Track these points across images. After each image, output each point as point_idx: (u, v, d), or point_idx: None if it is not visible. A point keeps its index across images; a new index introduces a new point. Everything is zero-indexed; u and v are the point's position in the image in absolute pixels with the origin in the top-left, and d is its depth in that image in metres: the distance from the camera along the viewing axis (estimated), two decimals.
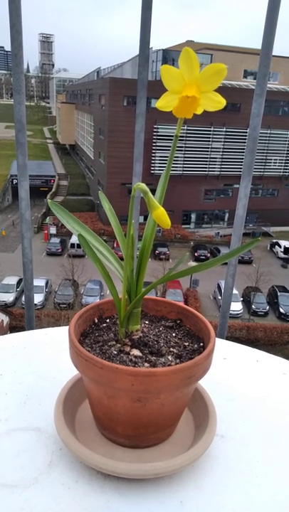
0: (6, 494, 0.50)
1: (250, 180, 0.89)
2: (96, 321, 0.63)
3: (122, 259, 0.60)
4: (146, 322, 0.65)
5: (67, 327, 0.58)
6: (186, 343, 0.60)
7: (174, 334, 0.62)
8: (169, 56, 28.46)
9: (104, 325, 0.63)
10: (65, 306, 17.08)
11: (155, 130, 24.71)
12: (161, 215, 0.51)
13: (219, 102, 0.49)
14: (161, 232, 23.74)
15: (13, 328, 14.35)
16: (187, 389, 0.54)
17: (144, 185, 0.52)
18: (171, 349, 0.57)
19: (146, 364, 0.53)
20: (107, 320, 0.64)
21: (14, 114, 0.85)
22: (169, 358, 0.55)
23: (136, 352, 0.56)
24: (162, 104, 0.50)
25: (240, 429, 0.63)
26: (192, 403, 0.63)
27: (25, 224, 0.93)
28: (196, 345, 0.59)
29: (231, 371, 0.79)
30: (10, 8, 0.80)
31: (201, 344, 0.59)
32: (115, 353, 0.55)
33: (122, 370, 0.49)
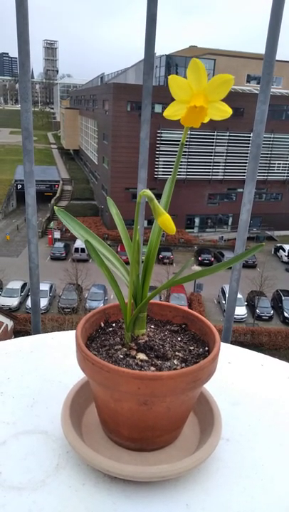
0: (14, 496, 0.51)
1: (254, 185, 0.90)
2: (102, 325, 0.64)
3: (127, 263, 0.61)
4: (152, 326, 0.65)
5: (74, 331, 0.59)
6: (192, 347, 0.60)
7: (179, 338, 0.63)
8: (172, 62, 28.58)
9: (111, 329, 0.64)
10: (69, 310, 17.10)
11: (159, 135, 24.79)
12: (166, 221, 0.52)
13: (226, 112, 0.50)
14: (164, 236, 23.77)
15: (18, 333, 14.37)
16: (193, 393, 0.55)
17: (149, 192, 0.53)
18: (177, 353, 0.58)
19: (152, 368, 0.54)
20: (113, 324, 0.65)
21: (21, 122, 0.86)
22: (175, 362, 0.56)
23: (142, 356, 0.56)
24: (170, 113, 0.51)
25: (245, 433, 0.64)
26: (197, 407, 0.63)
27: (32, 229, 0.95)
28: (201, 350, 0.60)
29: (236, 375, 0.79)
30: (17, 18, 0.82)
31: (206, 348, 0.60)
32: (121, 356, 0.56)
33: (128, 374, 0.50)
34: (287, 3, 0.80)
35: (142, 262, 0.61)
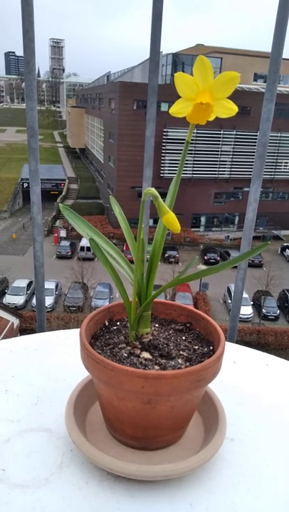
0: (18, 494, 0.51)
1: (259, 184, 0.90)
2: (106, 323, 0.64)
3: (132, 262, 0.61)
4: (157, 325, 0.65)
5: (78, 329, 0.59)
6: (196, 347, 0.60)
7: (183, 337, 0.62)
8: (179, 60, 28.49)
9: (115, 328, 0.64)
10: (74, 308, 17.14)
11: (165, 133, 24.76)
12: (171, 219, 0.52)
13: (231, 109, 0.50)
14: (170, 235, 23.73)
15: (23, 331, 14.43)
16: (197, 392, 0.55)
17: (154, 191, 0.53)
18: (181, 352, 0.58)
19: (156, 367, 0.54)
20: (118, 323, 0.65)
21: (26, 120, 0.86)
22: (179, 361, 0.56)
23: (146, 355, 0.56)
24: (176, 110, 0.51)
25: (250, 433, 0.63)
26: (202, 406, 0.63)
27: (37, 228, 0.95)
28: (205, 349, 0.59)
29: (241, 375, 0.79)
30: (23, 16, 0.82)
31: (211, 348, 0.59)
32: (125, 355, 0.56)
33: (132, 373, 0.50)
34: None
35: (147, 260, 0.61)
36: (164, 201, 0.54)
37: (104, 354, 0.56)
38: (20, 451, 0.58)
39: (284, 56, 0.85)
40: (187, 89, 0.50)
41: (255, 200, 0.91)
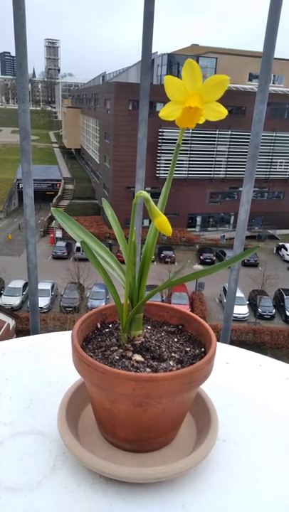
0: (10, 497, 0.51)
1: (252, 185, 0.90)
2: (99, 326, 0.64)
3: (124, 263, 0.61)
4: (149, 327, 0.65)
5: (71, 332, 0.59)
6: (188, 348, 0.60)
7: (175, 339, 0.63)
8: (174, 60, 28.49)
9: (107, 330, 0.64)
10: (70, 309, 17.11)
11: (160, 134, 24.76)
12: (162, 222, 0.52)
13: (221, 112, 0.50)
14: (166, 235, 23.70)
15: (20, 332, 14.38)
16: (189, 394, 0.55)
17: (146, 193, 0.53)
18: (173, 354, 0.58)
19: (147, 369, 0.54)
20: (110, 325, 0.65)
21: (19, 123, 0.86)
22: (171, 363, 0.56)
23: (138, 357, 0.56)
24: (165, 113, 0.51)
25: (242, 434, 0.64)
26: (194, 408, 0.63)
27: (30, 230, 0.95)
28: (197, 351, 0.60)
29: (234, 376, 0.79)
30: (14, 19, 0.82)
31: (203, 349, 0.60)
32: (117, 358, 0.56)
33: (123, 375, 0.50)
34: (285, 4, 0.80)
35: (139, 261, 0.61)
36: (156, 203, 0.54)
37: (95, 357, 0.56)
38: (12, 454, 0.58)
39: (279, 56, 0.85)
40: (176, 92, 0.50)
41: (248, 201, 0.91)
